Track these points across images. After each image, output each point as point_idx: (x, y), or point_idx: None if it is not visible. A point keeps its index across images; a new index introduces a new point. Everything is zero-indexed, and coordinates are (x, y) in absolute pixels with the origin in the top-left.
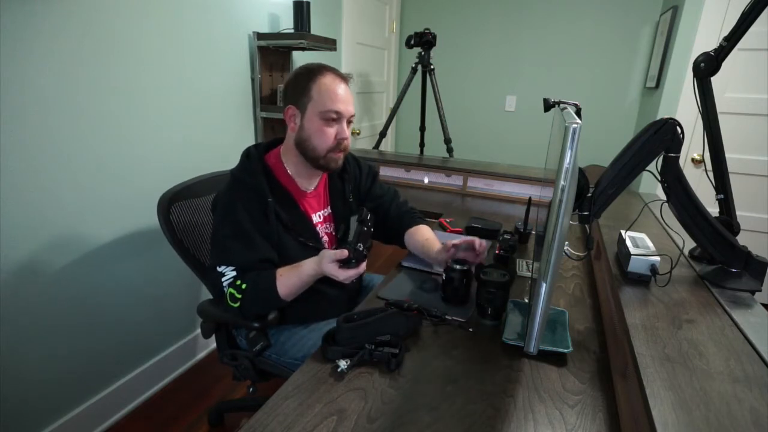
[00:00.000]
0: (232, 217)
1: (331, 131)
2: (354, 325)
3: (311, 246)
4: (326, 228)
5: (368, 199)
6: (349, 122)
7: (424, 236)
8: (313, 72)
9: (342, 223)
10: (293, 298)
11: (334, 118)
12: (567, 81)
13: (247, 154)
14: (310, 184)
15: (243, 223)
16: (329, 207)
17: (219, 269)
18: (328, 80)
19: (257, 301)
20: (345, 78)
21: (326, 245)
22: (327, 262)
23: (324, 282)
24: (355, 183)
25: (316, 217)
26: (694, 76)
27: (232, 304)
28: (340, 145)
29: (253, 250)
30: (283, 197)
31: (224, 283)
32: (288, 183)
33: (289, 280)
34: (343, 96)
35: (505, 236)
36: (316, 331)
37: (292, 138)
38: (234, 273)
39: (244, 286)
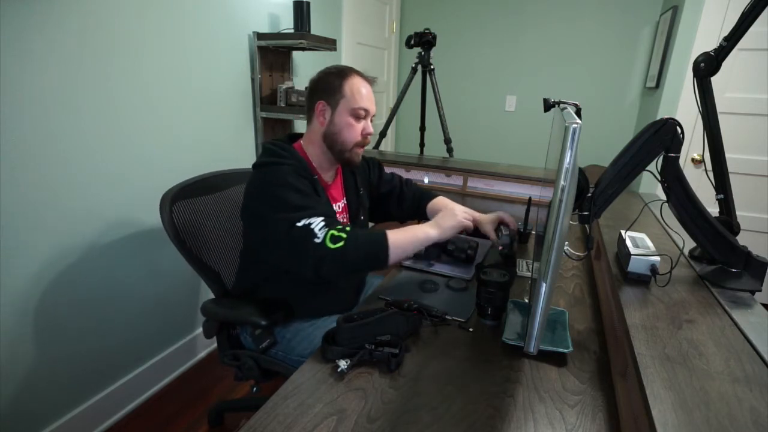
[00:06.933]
0: (293, 186)
1: (359, 126)
2: (354, 325)
3: None
4: (342, 218)
5: (381, 186)
6: (371, 120)
7: (446, 205)
8: (344, 72)
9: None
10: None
11: (362, 115)
12: (567, 81)
13: (277, 145)
14: (330, 176)
15: (304, 188)
16: (344, 199)
17: (300, 223)
18: (357, 81)
19: (364, 244)
20: (370, 81)
21: None
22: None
23: None
24: (364, 176)
25: (336, 207)
26: (694, 76)
27: (333, 246)
28: (365, 140)
29: (328, 206)
30: (318, 182)
31: (316, 230)
32: (315, 172)
33: (399, 236)
34: (369, 96)
35: (503, 232)
36: (322, 328)
37: (319, 132)
38: (323, 219)
39: (348, 228)
